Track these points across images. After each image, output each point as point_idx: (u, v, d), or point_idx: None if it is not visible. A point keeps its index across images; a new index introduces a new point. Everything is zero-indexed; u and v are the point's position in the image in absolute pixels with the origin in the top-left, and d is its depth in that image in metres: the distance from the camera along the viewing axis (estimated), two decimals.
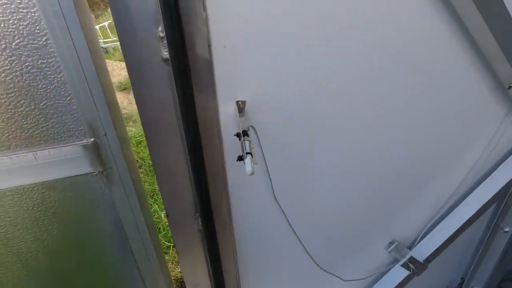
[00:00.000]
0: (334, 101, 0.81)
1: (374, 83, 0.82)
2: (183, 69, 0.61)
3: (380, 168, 1.01)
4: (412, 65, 0.83)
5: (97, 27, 9.33)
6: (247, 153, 0.56)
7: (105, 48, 7.51)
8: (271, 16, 0.67)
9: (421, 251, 1.21)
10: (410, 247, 1.26)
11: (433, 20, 0.79)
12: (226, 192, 0.82)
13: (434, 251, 1.19)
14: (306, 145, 0.85)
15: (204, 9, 0.62)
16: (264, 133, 0.76)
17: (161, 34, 0.62)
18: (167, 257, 2.30)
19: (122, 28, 0.60)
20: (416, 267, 1.17)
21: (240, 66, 0.70)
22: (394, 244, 1.21)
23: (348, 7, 0.70)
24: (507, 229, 1.35)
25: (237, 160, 0.59)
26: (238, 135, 0.63)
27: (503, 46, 0.79)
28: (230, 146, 0.75)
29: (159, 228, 2.46)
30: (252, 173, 0.53)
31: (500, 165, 1.16)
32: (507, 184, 1.12)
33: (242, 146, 0.59)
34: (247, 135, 0.62)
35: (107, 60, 6.17)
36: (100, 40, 8.32)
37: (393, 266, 1.26)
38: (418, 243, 1.23)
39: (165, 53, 0.64)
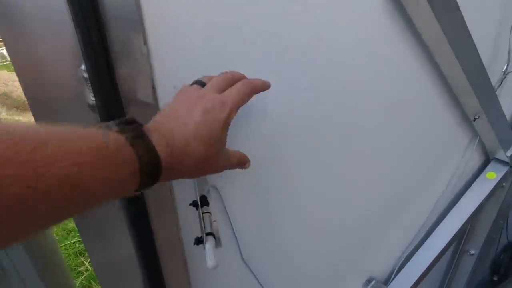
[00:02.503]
0: (300, 144, 0.72)
1: (339, 121, 0.75)
2: (114, 118, 0.46)
3: (351, 211, 0.93)
4: (381, 100, 0.77)
5: None
6: (207, 234, 0.42)
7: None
8: (231, 46, 0.55)
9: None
10: (386, 283, 1.19)
11: (404, 55, 0.74)
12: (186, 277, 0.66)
13: (411, 286, 1.14)
14: (275, 197, 0.73)
15: (145, 42, 0.48)
16: (227, 189, 0.62)
17: (85, 75, 0.46)
18: None
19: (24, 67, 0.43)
20: None
21: None
22: (372, 283, 1.13)
23: (315, 45, 0.61)
24: (472, 252, 1.37)
25: (194, 244, 0.44)
26: (194, 204, 0.48)
27: (472, 82, 0.77)
28: (187, 217, 0.60)
29: None
30: (215, 267, 0.39)
31: (465, 192, 1.17)
32: (474, 211, 1.12)
33: (200, 222, 0.45)
34: (207, 204, 0.47)
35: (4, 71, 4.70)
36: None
37: None
38: (393, 279, 1.17)
39: (92, 98, 0.48)
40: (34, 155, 0.21)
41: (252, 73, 0.56)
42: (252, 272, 0.73)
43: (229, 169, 0.44)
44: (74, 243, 2.86)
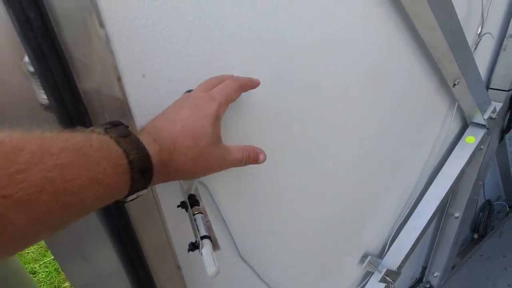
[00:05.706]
0: (286, 126, 0.68)
1: (321, 97, 0.71)
2: (74, 117, 0.38)
3: (341, 190, 0.91)
4: (360, 71, 0.74)
5: None
6: (202, 237, 0.37)
7: None
8: (205, 23, 0.48)
9: (393, 259, 1.17)
10: (380, 256, 1.21)
11: (382, 22, 0.71)
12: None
13: (405, 255, 1.16)
14: (265, 184, 0.69)
15: (102, 25, 0.41)
16: (215, 183, 0.56)
17: (30, 69, 0.38)
18: None
19: None
20: (392, 279, 1.12)
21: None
22: (368, 259, 1.14)
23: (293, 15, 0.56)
24: (457, 215, 1.42)
25: (189, 250, 0.38)
26: (183, 205, 0.42)
27: (451, 46, 0.76)
28: (176, 219, 0.54)
29: None
30: (217, 274, 0.34)
31: (447, 159, 1.20)
32: (458, 176, 1.15)
33: (192, 225, 0.39)
34: (197, 203, 0.42)
35: None
36: None
37: (368, 281, 1.19)
38: (388, 250, 1.19)
39: (44, 97, 0.40)
40: (12, 160, 0.18)
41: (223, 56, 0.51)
42: (252, 268, 0.69)
43: (236, 166, 0.40)
44: (53, 259, 2.70)
